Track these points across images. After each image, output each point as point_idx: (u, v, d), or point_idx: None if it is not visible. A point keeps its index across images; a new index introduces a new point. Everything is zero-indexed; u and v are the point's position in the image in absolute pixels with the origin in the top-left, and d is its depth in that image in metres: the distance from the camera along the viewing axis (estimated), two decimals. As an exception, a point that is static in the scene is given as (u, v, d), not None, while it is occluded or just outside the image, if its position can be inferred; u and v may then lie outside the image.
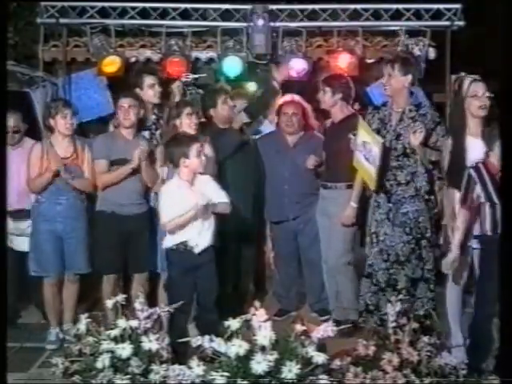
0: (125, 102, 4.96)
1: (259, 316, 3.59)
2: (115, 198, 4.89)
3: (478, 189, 4.11)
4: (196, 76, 6.30)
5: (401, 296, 4.08)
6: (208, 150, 4.86)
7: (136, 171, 4.89)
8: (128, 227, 4.91)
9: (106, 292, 4.86)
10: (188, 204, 4.31)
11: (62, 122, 4.94)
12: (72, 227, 4.97)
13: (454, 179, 4.33)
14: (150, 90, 5.31)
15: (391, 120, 4.71)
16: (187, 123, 4.89)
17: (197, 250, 4.40)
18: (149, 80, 5.33)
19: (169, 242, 4.49)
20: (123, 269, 5.03)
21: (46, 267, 4.98)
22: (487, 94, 4.29)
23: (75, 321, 4.19)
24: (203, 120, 5.23)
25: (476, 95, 4.30)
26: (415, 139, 4.49)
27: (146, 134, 5.20)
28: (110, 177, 4.93)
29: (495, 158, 4.09)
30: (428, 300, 4.64)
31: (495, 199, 4.06)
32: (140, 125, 5.10)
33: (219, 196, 4.44)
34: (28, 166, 4.98)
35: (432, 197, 4.69)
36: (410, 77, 4.64)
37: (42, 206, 4.97)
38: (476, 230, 4.23)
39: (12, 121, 5.16)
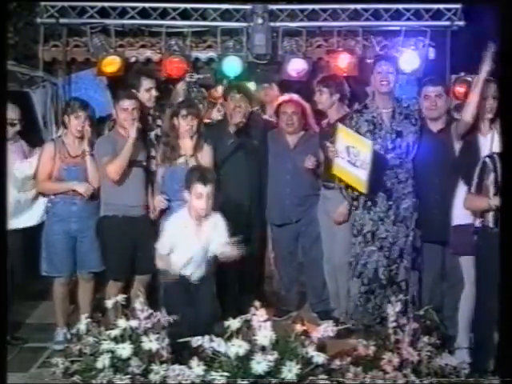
0: (128, 105, 4.92)
1: (259, 316, 3.60)
2: (122, 201, 4.85)
3: (491, 178, 4.11)
4: (200, 76, 6.30)
5: (401, 295, 4.11)
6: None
7: (145, 171, 4.93)
8: (137, 229, 4.89)
9: (110, 295, 4.64)
10: (186, 248, 4.24)
11: (75, 123, 4.92)
12: (86, 226, 4.93)
13: (465, 176, 4.39)
14: (146, 94, 5.23)
15: (384, 121, 4.75)
16: (183, 125, 4.89)
17: (192, 279, 4.32)
18: (147, 83, 5.25)
19: None
20: (131, 271, 4.97)
21: (59, 267, 4.93)
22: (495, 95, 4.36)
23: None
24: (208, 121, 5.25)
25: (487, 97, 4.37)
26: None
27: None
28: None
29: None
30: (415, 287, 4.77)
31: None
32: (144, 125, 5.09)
33: (222, 244, 4.26)
34: (38, 166, 4.93)
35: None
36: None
37: (56, 206, 4.93)
38: (476, 223, 4.27)
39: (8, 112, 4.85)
